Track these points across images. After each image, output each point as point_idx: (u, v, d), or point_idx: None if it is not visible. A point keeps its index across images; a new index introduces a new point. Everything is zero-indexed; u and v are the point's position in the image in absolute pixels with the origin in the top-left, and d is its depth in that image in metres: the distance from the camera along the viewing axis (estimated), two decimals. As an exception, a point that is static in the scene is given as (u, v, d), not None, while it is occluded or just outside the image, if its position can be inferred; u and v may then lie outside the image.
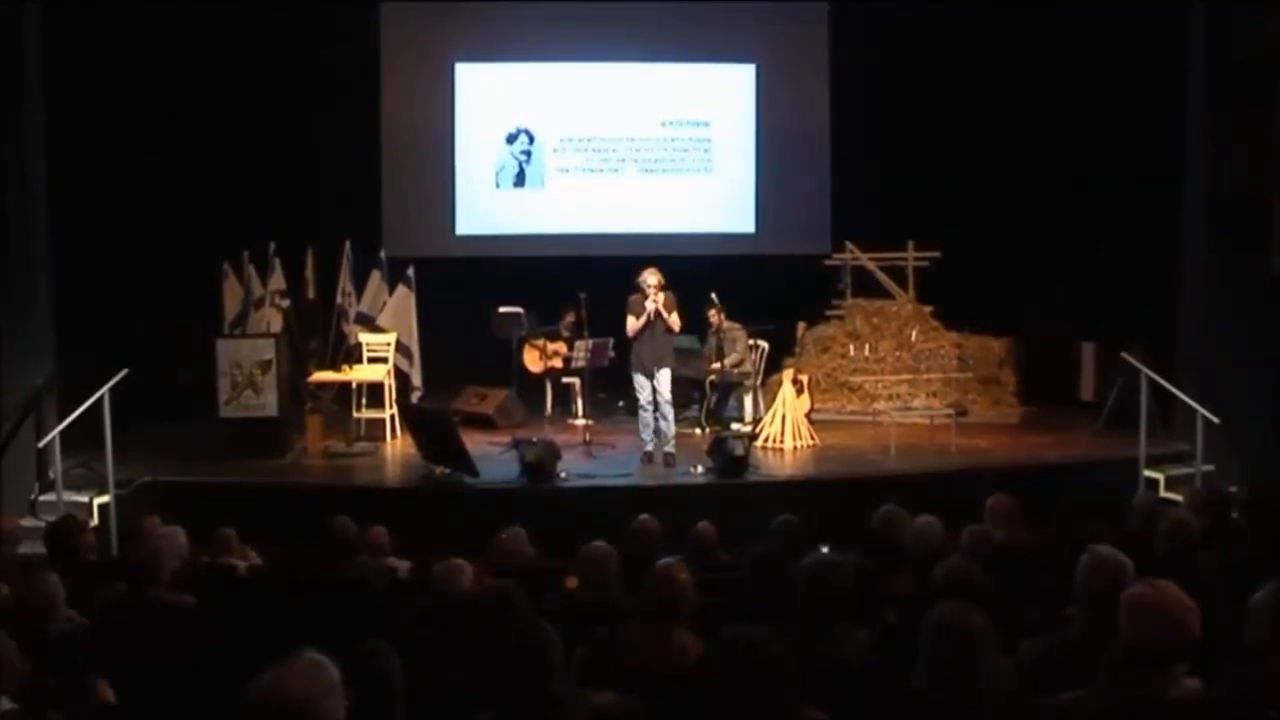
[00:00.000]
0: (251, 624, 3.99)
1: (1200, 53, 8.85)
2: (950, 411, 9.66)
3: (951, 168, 11.30)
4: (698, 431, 9.79)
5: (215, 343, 8.89)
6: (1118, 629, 3.06)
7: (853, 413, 10.58)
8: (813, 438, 9.38)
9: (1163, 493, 7.80)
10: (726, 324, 9.96)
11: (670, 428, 8.62)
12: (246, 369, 8.72)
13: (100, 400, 7.53)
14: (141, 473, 7.95)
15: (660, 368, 8.50)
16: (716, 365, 9.97)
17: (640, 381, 8.54)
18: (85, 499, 7.69)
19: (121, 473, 7.74)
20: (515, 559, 5.01)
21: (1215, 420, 8.06)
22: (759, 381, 10.26)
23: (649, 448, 8.59)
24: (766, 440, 9.26)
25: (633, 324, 8.48)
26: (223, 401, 8.72)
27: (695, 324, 9.95)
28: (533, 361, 10.69)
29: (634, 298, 8.49)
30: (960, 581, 3.74)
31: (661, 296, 8.39)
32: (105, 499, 7.64)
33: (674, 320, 8.48)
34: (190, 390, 9.03)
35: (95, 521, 7.43)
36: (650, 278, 8.40)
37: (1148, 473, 8.21)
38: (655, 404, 8.53)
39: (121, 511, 7.49)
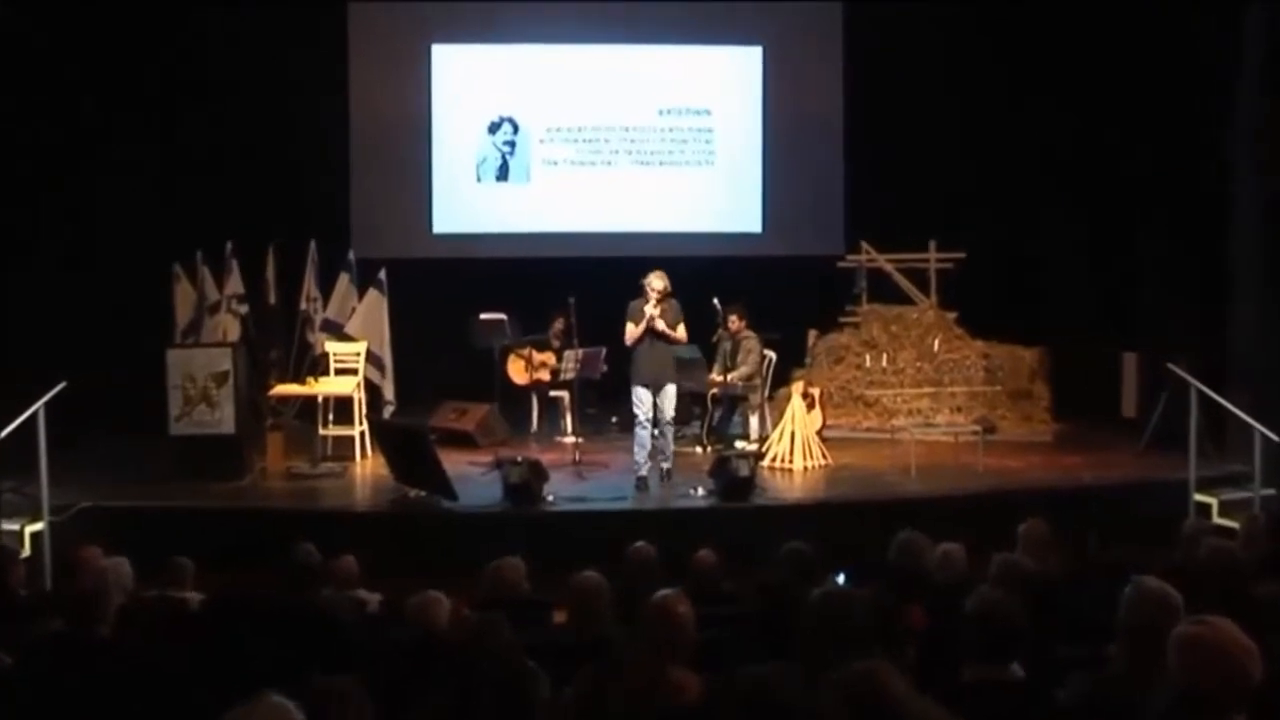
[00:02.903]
0: (206, 664, 3.97)
1: (1258, 38, 8.87)
2: (977, 428, 9.65)
3: (978, 161, 11.32)
4: (698, 450, 9.78)
5: (165, 353, 8.86)
6: (1165, 671, 3.04)
7: (869, 430, 10.58)
8: (824, 457, 9.37)
9: (1216, 519, 7.79)
10: (745, 332, 9.97)
11: (669, 445, 8.71)
12: (200, 381, 8.69)
13: (34, 416, 7.47)
14: (80, 497, 7.90)
15: (665, 382, 8.53)
16: (720, 378, 9.95)
17: (641, 395, 8.51)
18: (16, 527, 7.60)
19: (58, 497, 7.67)
20: (509, 592, 4.99)
21: (1275, 438, 8.04)
22: (766, 395, 10.25)
23: (643, 471, 8.54)
24: (774, 460, 9.26)
25: (632, 331, 8.48)
26: (173, 417, 8.69)
27: (696, 333, 9.93)
28: (517, 373, 10.68)
29: (635, 302, 8.52)
30: (990, 615, 3.71)
31: (660, 308, 8.40)
32: (39, 527, 7.56)
33: (678, 334, 8.53)
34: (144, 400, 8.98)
35: (27, 552, 7.35)
36: (656, 282, 8.43)
37: (1199, 497, 8.18)
38: (655, 421, 8.53)
39: (57, 540, 7.42)
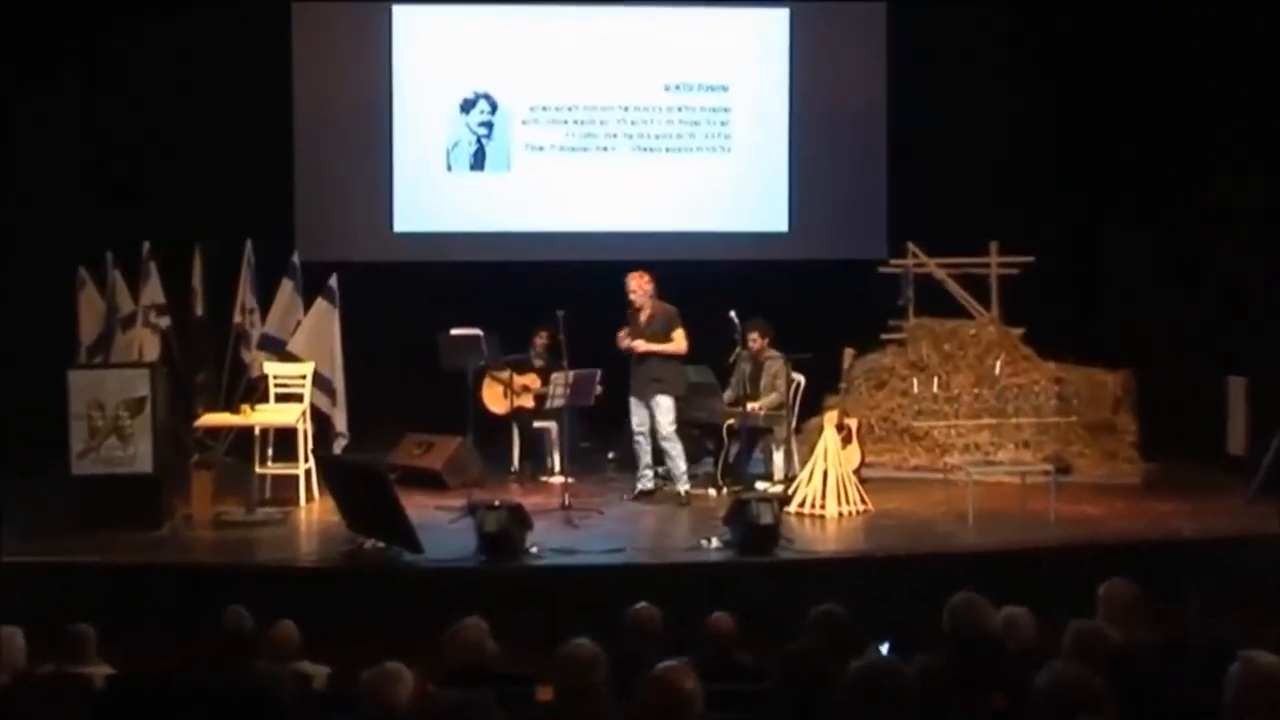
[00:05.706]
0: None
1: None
2: (1048, 468, 9.64)
3: (1044, 150, 11.33)
4: (712, 493, 9.78)
5: (67, 375, 8.84)
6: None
7: (917, 469, 10.60)
8: (863, 501, 9.37)
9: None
10: (769, 351, 9.98)
11: (679, 466, 9.34)
12: (110, 410, 8.67)
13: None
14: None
15: (653, 394, 9.23)
16: (738, 407, 9.93)
17: (631, 406, 9.46)
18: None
19: (-67, 550, 7.68)
20: (472, 660, 4.98)
21: None
22: (793, 427, 10.24)
23: (646, 485, 9.35)
24: (802, 505, 9.25)
25: (621, 337, 9.37)
26: (76, 453, 8.66)
27: (709, 352, 9.93)
28: (494, 400, 10.68)
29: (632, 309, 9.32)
30: (1067, 694, 3.69)
31: (646, 315, 9.11)
32: (-91, 587, 7.57)
33: (671, 345, 9.19)
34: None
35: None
36: (630, 283, 9.23)
37: (1322, 554, 8.17)
38: (652, 435, 9.27)
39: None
